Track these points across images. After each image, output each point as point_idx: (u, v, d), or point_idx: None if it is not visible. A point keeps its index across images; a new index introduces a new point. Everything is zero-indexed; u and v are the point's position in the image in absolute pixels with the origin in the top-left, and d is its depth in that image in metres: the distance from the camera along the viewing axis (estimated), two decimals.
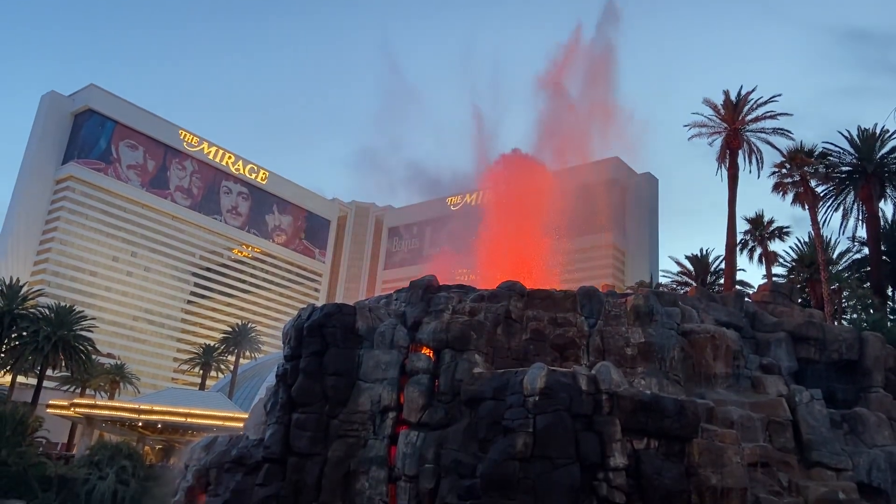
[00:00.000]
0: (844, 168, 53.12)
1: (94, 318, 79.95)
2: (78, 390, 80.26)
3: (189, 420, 62.57)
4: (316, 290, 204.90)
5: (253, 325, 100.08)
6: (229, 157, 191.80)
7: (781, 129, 50.95)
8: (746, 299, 29.09)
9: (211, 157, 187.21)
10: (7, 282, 67.09)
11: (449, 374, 21.03)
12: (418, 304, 24.11)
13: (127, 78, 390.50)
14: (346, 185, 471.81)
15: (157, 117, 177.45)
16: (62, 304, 74.63)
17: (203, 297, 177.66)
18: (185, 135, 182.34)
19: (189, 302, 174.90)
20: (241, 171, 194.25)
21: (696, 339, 23.38)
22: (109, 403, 70.63)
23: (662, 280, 67.99)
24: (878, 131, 52.06)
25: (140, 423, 65.22)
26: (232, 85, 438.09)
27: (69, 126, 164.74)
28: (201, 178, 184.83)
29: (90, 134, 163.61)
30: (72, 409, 64.48)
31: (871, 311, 47.97)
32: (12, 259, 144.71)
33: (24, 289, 68.66)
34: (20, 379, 70.50)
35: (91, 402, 70.17)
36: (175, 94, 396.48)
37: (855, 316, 50.31)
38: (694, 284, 56.38)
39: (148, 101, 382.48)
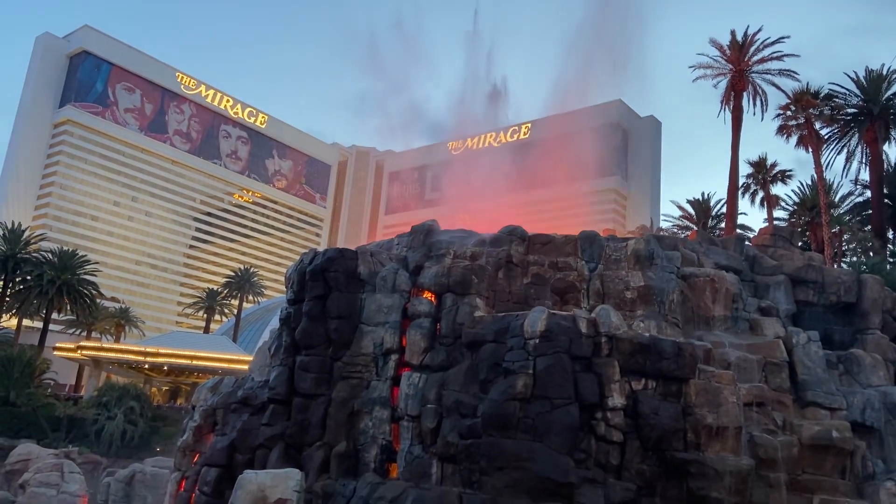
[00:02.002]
0: (850, 110, 52.60)
1: (97, 263, 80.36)
2: (84, 333, 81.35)
3: (195, 362, 63.64)
4: (317, 234, 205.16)
5: (255, 270, 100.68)
6: (227, 101, 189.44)
7: (787, 71, 50.31)
8: (747, 243, 29.19)
9: (209, 100, 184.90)
10: (9, 226, 67.25)
11: (450, 318, 21.28)
12: (420, 248, 24.21)
13: (121, 19, 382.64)
14: (345, 130, 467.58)
15: (154, 59, 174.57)
16: (65, 248, 74.92)
17: (205, 241, 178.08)
18: (183, 77, 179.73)
19: (191, 247, 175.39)
20: (240, 115, 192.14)
21: (696, 283, 23.58)
22: (116, 346, 71.75)
23: (664, 224, 68.06)
24: (885, 72, 51.35)
25: (146, 366, 66.34)
26: (228, 26, 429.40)
27: (65, 68, 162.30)
28: (200, 121, 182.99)
29: (86, 76, 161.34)
30: (78, 351, 65.50)
31: (871, 254, 48.15)
32: (13, 203, 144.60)
33: (27, 233, 68.86)
34: (26, 322, 71.35)
35: (97, 344, 71.27)
36: (169, 36, 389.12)
37: (855, 259, 50.51)
38: (695, 228, 56.48)
39: (143, 43, 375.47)
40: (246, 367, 40.34)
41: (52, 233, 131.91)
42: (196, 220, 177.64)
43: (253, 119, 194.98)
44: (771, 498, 18.46)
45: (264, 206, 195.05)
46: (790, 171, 56.59)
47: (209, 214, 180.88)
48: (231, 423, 23.72)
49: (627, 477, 17.86)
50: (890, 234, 53.69)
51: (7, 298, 64.54)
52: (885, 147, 52.88)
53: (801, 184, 59.18)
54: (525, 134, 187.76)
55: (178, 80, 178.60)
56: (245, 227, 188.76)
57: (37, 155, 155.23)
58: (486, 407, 18.27)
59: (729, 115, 50.66)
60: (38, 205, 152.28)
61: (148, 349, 64.91)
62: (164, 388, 76.00)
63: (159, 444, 47.08)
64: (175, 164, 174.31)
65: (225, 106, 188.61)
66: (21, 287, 64.76)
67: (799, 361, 21.98)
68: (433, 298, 22.15)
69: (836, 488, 19.52)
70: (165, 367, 66.73)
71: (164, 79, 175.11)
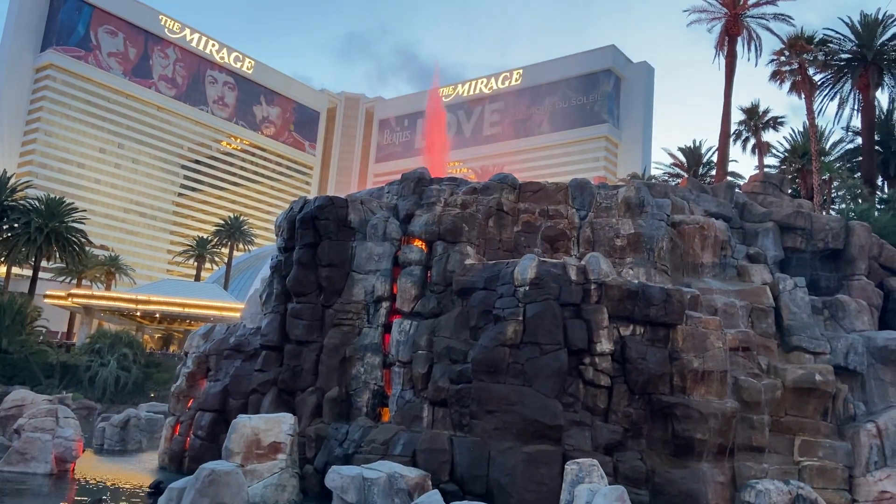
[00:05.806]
0: (844, 55, 52.07)
1: (84, 211, 79.71)
2: (74, 281, 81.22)
3: (186, 310, 63.86)
4: (307, 183, 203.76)
5: (245, 219, 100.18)
6: (213, 45, 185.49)
7: (783, 15, 49.70)
8: (737, 190, 29.18)
9: (194, 44, 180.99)
10: None
11: (441, 266, 21.36)
12: (410, 196, 24.13)
13: None
14: (334, 75, 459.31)
15: (136, 1, 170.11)
16: (51, 196, 74.16)
17: (193, 189, 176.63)
18: (166, 20, 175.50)
19: (179, 195, 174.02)
20: (226, 60, 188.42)
21: (685, 230, 23.67)
22: (107, 294, 71.82)
23: (655, 172, 68.03)
24: (880, 17, 50.66)
25: (138, 313, 66.55)
26: None
27: (45, 10, 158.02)
28: (185, 66, 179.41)
29: (67, 19, 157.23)
30: (69, 298, 65.52)
31: (860, 201, 48.32)
32: None
33: (12, 180, 68.01)
34: (15, 270, 71.09)
35: (88, 292, 71.26)
36: None
37: (844, 206, 50.71)
38: (686, 175, 56.44)
39: None
40: (237, 314, 40.59)
41: (39, 180, 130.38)
42: (184, 167, 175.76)
43: (239, 64, 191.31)
44: (754, 439, 18.94)
45: (253, 154, 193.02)
46: (782, 117, 56.44)
47: (197, 162, 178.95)
48: (224, 369, 23.99)
49: (614, 420, 18.25)
50: (879, 181, 53.83)
51: None
52: (878, 93, 52.62)
53: (793, 130, 59.11)
54: (517, 80, 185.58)
55: (162, 23, 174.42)
56: (234, 174, 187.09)
57: (20, 100, 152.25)
58: (476, 352, 18.50)
59: (723, 62, 50.20)
60: (22, 151, 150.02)
61: (139, 297, 65.02)
62: (157, 336, 76.40)
63: (153, 389, 47.64)
64: (161, 110, 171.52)
65: (210, 50, 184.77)
66: (9, 235, 64.29)
67: (785, 307, 22.25)
68: (424, 246, 22.21)
69: (817, 429, 20.00)
70: (157, 315, 66.94)
71: (147, 22, 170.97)
